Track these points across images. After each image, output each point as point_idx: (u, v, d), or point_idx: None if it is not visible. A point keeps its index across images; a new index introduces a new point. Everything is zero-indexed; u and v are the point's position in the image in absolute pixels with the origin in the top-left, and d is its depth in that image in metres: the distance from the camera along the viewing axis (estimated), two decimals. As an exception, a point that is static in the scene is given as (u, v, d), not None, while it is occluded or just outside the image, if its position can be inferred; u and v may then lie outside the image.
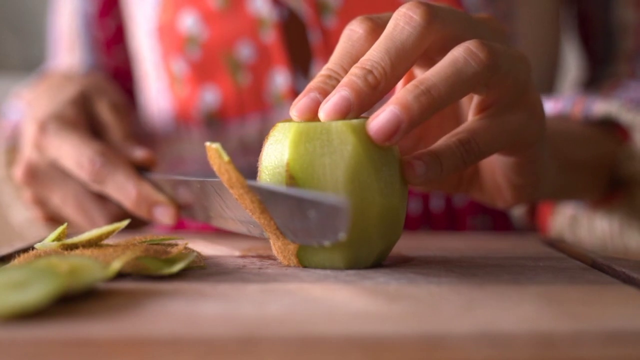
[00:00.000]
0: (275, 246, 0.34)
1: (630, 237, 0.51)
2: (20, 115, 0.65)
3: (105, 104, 0.53)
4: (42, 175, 0.50)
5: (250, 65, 0.56)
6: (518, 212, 0.57)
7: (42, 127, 0.48)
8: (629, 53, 0.59)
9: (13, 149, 0.62)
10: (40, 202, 0.52)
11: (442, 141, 0.33)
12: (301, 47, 0.56)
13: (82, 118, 0.51)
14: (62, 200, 0.50)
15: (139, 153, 0.48)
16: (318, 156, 0.31)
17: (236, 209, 0.35)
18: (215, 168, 0.32)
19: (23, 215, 0.64)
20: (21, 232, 0.66)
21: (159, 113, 0.63)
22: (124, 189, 0.45)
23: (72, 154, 0.47)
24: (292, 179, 0.31)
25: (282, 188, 0.30)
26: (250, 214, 0.32)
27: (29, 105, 0.56)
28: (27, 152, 0.50)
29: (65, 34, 0.70)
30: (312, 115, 0.32)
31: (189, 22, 0.58)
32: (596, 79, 0.61)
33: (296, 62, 0.56)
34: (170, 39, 0.59)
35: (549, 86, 0.63)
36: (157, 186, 0.45)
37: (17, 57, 1.47)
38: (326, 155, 0.31)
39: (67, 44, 0.70)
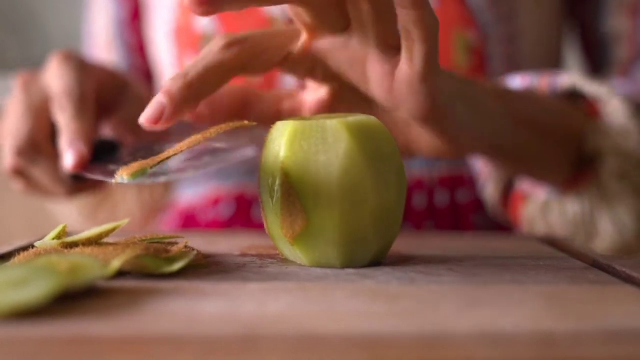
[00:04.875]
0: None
1: (601, 221, 0.51)
2: None
3: (137, 94, 0.55)
4: (32, 87, 0.50)
5: None
6: (491, 199, 0.56)
7: (66, 57, 0.50)
8: (624, 63, 0.59)
9: None
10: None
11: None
12: None
13: (104, 77, 0.52)
14: (17, 116, 0.50)
15: (108, 135, 0.50)
16: (313, 154, 0.32)
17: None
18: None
19: (67, 210, 0.66)
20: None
21: None
22: (77, 116, 0.46)
23: (68, 80, 0.48)
24: (286, 177, 0.32)
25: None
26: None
27: None
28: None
29: (102, 36, 0.72)
30: (159, 118, 0.35)
31: (204, 21, 0.59)
32: None
33: None
34: (186, 39, 0.60)
35: None
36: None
37: (16, 56, 1.47)
38: (321, 153, 0.31)
39: (104, 44, 0.72)
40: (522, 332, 0.23)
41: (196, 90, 0.35)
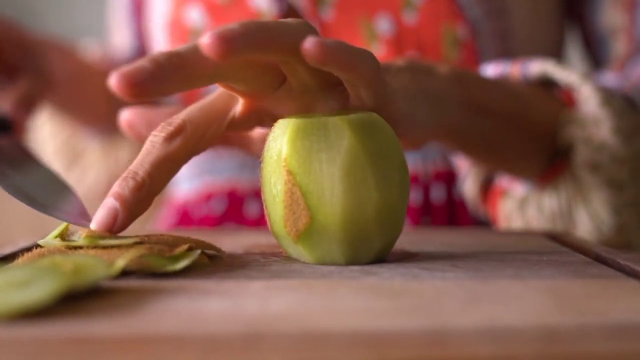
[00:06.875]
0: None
1: (578, 216, 0.50)
2: None
3: (46, 66, 0.56)
4: None
5: None
6: (469, 195, 0.56)
7: None
8: (622, 58, 0.59)
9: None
10: None
11: None
12: None
13: (4, 34, 0.54)
14: None
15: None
16: (315, 152, 0.32)
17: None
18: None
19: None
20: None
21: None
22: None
23: None
24: (289, 175, 0.32)
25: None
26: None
27: None
28: None
29: (120, 17, 0.75)
30: (113, 224, 0.33)
31: (194, 15, 0.61)
32: None
33: None
34: (177, 32, 0.62)
35: None
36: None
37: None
38: (323, 151, 0.31)
39: (120, 23, 0.75)
40: (526, 327, 0.23)
41: (148, 189, 0.33)
